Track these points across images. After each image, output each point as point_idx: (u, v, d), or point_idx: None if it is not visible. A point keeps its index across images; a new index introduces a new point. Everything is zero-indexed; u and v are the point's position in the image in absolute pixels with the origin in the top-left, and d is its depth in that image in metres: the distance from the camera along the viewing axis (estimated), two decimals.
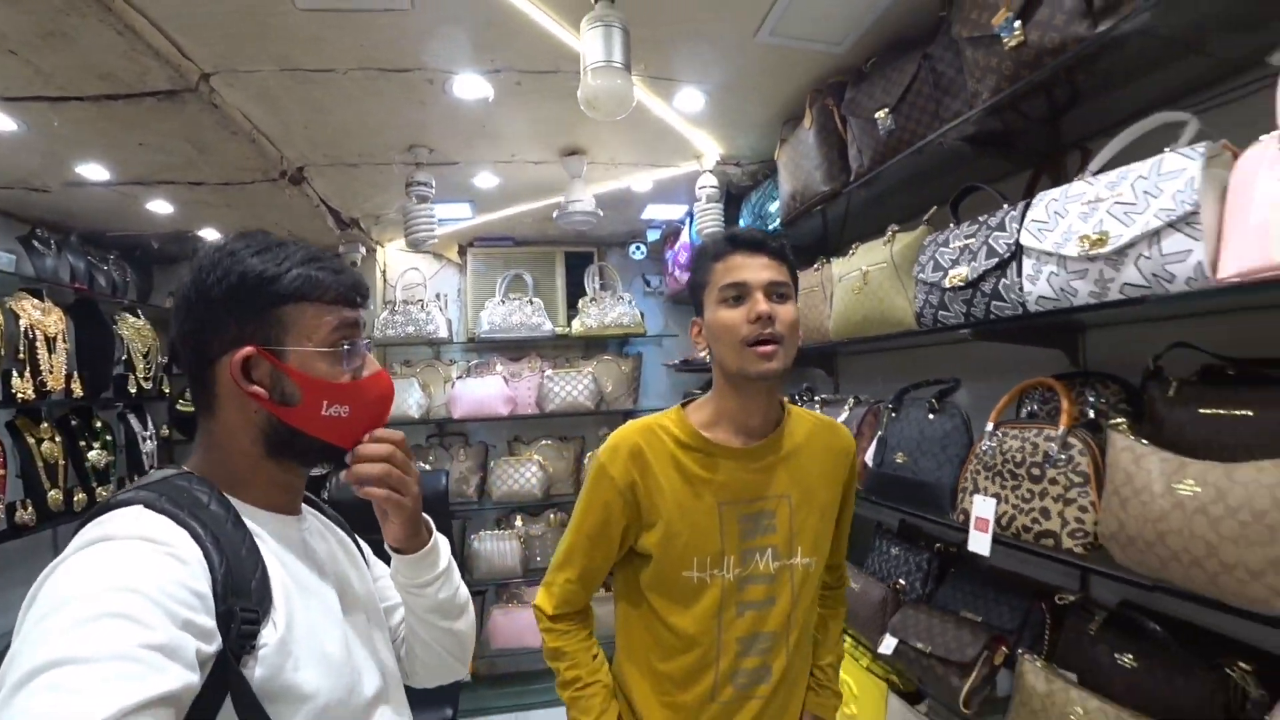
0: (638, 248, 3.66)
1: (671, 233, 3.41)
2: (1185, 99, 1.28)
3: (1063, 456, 1.25)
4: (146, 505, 0.67)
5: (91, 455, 2.82)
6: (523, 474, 3.36)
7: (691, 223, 2.93)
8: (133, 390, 3.10)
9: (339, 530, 0.97)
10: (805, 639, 1.23)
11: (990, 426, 1.45)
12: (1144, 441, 1.09)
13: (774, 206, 2.22)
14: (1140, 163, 1.05)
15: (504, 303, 3.45)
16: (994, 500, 1.37)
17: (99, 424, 2.94)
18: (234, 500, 0.75)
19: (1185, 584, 0.99)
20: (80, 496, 2.70)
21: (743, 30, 1.66)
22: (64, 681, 0.50)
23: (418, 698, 0.95)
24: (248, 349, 0.74)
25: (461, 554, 3.31)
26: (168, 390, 3.42)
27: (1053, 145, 1.54)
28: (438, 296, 3.58)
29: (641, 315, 3.59)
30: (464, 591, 1.01)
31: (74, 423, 2.82)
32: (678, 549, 1.12)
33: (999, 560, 1.80)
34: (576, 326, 3.52)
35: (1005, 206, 1.33)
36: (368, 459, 0.82)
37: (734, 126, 2.26)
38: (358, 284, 0.84)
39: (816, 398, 2.13)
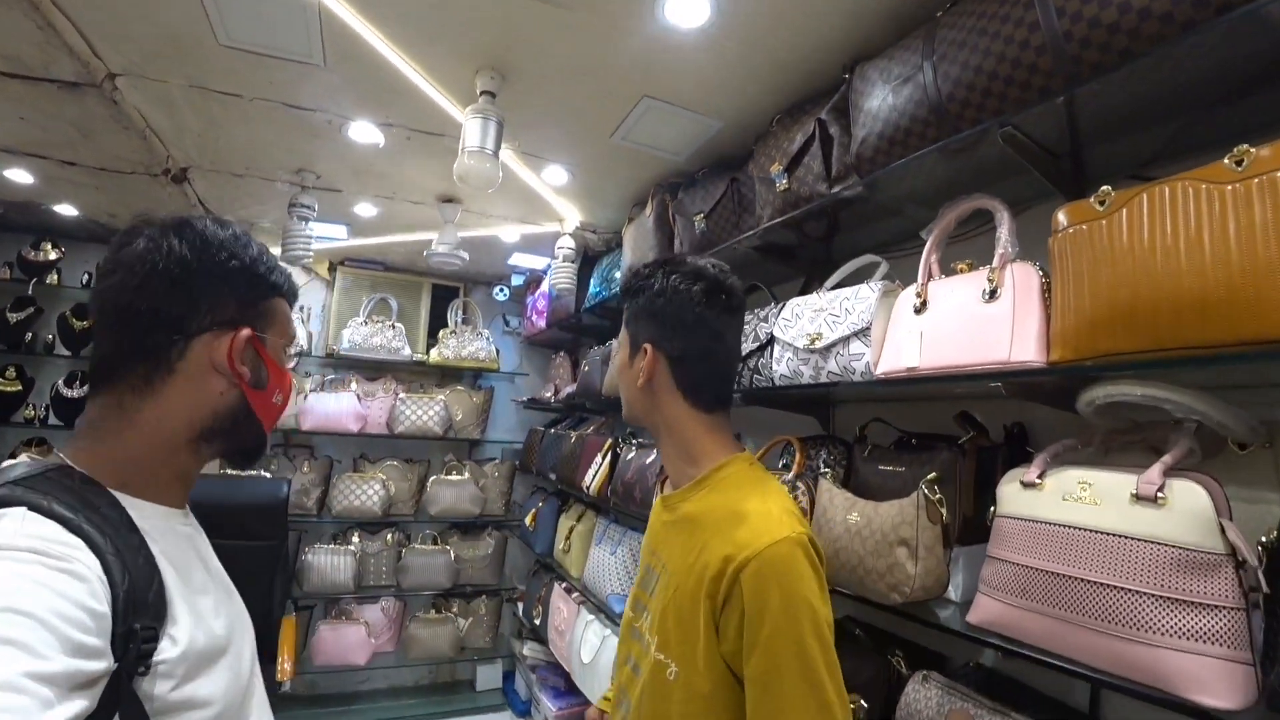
0: (501, 290, 3.92)
1: (534, 280, 3.72)
2: (901, 243, 1.79)
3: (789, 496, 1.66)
4: (33, 508, 0.60)
5: None
6: (365, 491, 3.45)
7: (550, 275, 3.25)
8: None
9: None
10: None
11: None
12: (838, 485, 1.51)
13: (619, 273, 2.60)
14: (850, 288, 1.50)
15: (367, 323, 3.59)
16: None
17: None
18: (122, 498, 0.69)
19: (848, 587, 1.40)
20: None
21: (600, 131, 2.04)
22: None
23: None
24: (247, 331, 0.76)
25: (293, 566, 3.34)
26: None
27: (823, 259, 2.02)
28: (301, 309, 3.66)
29: (498, 352, 3.87)
30: None
31: None
32: None
33: None
34: (434, 355, 3.72)
35: (773, 304, 1.76)
36: None
37: (593, 200, 2.63)
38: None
39: (635, 441, 2.48)
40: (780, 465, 1.91)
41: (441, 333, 3.78)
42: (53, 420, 3.42)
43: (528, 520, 3.36)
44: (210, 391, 0.75)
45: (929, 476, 1.21)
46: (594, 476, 2.59)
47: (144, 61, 1.84)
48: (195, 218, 0.78)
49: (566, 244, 2.80)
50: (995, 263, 1.17)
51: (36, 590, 0.54)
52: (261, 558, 2.80)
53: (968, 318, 1.17)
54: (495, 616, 3.80)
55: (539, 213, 2.80)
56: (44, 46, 1.78)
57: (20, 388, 3.38)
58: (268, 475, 3.24)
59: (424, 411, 3.59)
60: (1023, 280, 1.12)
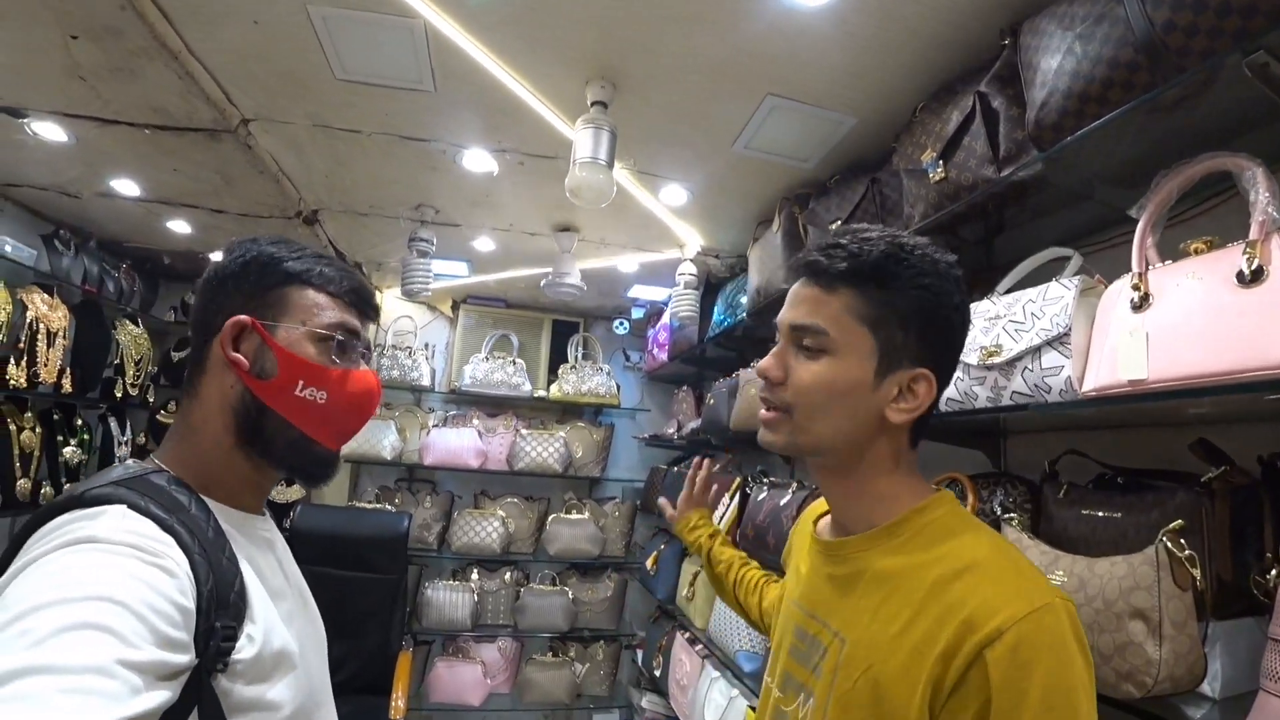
0: (621, 323, 3.83)
1: (655, 313, 3.60)
2: (1089, 237, 1.47)
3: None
4: (131, 506, 0.64)
5: (67, 451, 2.89)
6: (484, 528, 3.41)
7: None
8: (118, 394, 3.19)
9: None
10: None
11: None
12: (1029, 535, 1.21)
13: (745, 299, 2.40)
14: (1034, 288, 1.22)
15: (488, 360, 3.59)
16: None
17: (79, 422, 3.02)
18: (208, 501, 0.73)
19: None
20: (48, 490, 2.73)
21: (721, 140, 1.88)
22: (35, 691, 0.47)
23: None
24: (240, 317, 0.77)
25: (414, 600, 3.34)
26: (152, 399, 3.51)
27: (985, 265, 1.72)
28: (426, 346, 3.72)
29: (618, 387, 3.75)
30: None
31: (56, 417, 2.89)
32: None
33: None
34: (554, 391, 3.66)
35: None
36: None
37: (714, 221, 2.47)
38: (362, 288, 0.86)
39: (766, 479, 2.24)
40: None
41: (561, 368, 3.71)
42: None
43: (648, 564, 3.18)
44: (224, 386, 0.77)
45: (1172, 525, 0.90)
46: (721, 519, 2.36)
47: (269, 102, 1.89)
48: (248, 238, 0.83)
49: (688, 270, 2.65)
50: (1254, 233, 0.87)
51: (131, 582, 0.57)
52: (381, 591, 2.79)
53: (1218, 310, 0.87)
54: (613, 663, 3.61)
55: (658, 238, 2.67)
56: (185, 96, 1.87)
57: None
58: (391, 509, 3.27)
59: (543, 448, 3.52)
60: None
